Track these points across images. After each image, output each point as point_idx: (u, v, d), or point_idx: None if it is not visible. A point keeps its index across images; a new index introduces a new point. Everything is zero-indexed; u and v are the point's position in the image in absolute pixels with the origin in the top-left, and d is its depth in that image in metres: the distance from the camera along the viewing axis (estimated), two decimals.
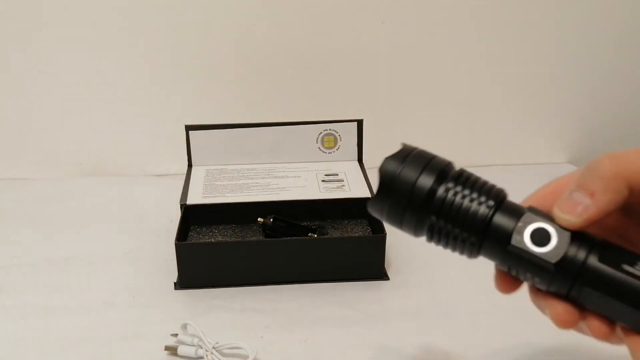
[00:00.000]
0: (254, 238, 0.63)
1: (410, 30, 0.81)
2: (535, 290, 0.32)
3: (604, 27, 0.83)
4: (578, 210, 0.29)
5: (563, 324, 0.31)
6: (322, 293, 0.57)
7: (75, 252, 0.64)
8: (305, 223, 0.64)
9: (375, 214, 0.34)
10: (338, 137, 0.72)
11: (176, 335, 0.50)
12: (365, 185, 0.67)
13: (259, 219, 0.62)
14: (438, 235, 0.32)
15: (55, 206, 0.75)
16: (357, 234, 0.64)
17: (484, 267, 0.62)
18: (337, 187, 0.67)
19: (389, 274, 0.60)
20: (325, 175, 0.70)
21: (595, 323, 0.30)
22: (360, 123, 0.71)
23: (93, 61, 0.79)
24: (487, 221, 0.31)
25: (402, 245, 0.65)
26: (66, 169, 0.84)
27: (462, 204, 0.31)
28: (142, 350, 0.50)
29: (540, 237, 0.30)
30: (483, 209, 0.31)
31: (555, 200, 0.31)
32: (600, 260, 0.29)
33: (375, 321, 0.54)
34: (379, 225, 0.60)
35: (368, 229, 0.65)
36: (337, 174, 0.70)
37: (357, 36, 0.80)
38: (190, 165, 0.71)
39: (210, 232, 0.65)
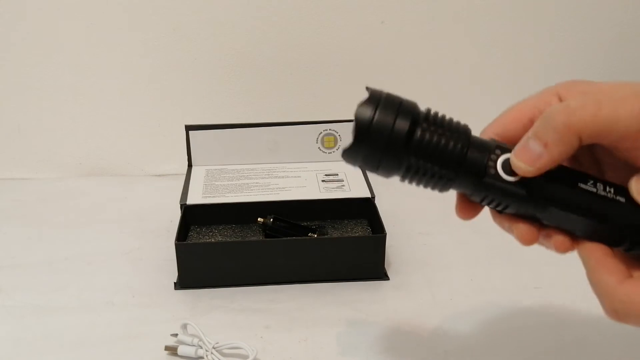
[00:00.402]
0: (254, 238, 0.63)
1: (411, 30, 0.81)
2: (497, 213, 0.36)
3: (605, 27, 0.83)
4: (532, 159, 0.32)
5: (527, 242, 0.35)
6: (322, 293, 0.57)
7: (75, 252, 0.64)
8: (305, 223, 0.64)
9: (349, 161, 0.34)
10: (338, 137, 0.72)
11: (176, 335, 0.50)
12: (365, 185, 0.67)
13: (259, 219, 0.62)
14: (414, 174, 0.34)
15: (55, 206, 0.75)
16: (357, 234, 0.64)
17: (484, 267, 0.62)
18: (337, 187, 0.67)
19: (389, 273, 0.60)
20: (325, 175, 0.70)
21: (559, 238, 0.34)
22: None
23: (93, 61, 0.79)
24: (463, 156, 0.33)
25: (402, 245, 0.65)
26: (66, 169, 0.84)
27: (438, 142, 0.33)
28: (142, 350, 0.50)
29: (511, 167, 0.33)
30: (458, 145, 0.33)
31: (516, 129, 0.35)
32: (561, 182, 0.33)
33: (375, 321, 0.54)
34: (379, 225, 0.60)
35: (368, 229, 0.65)
36: (337, 174, 0.70)
37: (357, 36, 0.80)
38: (190, 165, 0.71)
39: (210, 232, 0.65)
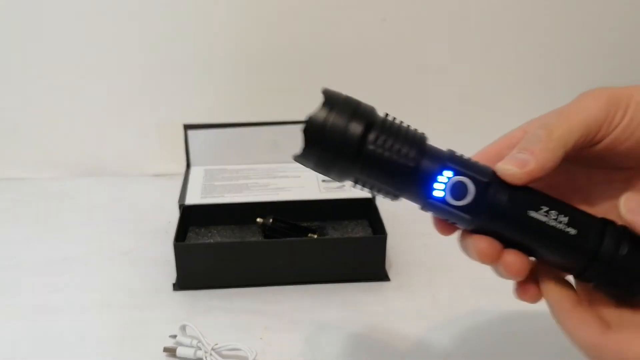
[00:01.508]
0: (253, 239, 0.63)
1: (412, 27, 0.81)
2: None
3: (607, 26, 0.83)
4: (521, 164, 0.32)
5: (484, 258, 0.34)
6: (322, 294, 0.57)
7: (74, 253, 0.64)
8: (305, 223, 0.64)
9: (302, 163, 0.33)
10: None
11: (175, 336, 0.49)
12: None
13: (258, 220, 0.62)
14: (363, 183, 0.33)
15: (54, 206, 0.75)
16: (357, 235, 0.64)
17: (485, 268, 0.62)
18: (337, 187, 0.67)
19: (390, 274, 0.60)
20: None
21: (510, 259, 0.34)
22: None
23: (91, 61, 0.79)
24: (410, 173, 0.32)
25: (403, 246, 0.65)
26: (64, 168, 0.83)
27: (389, 154, 0.32)
28: (140, 351, 0.49)
29: (459, 191, 0.32)
30: (407, 160, 0.32)
31: (502, 156, 0.35)
32: (510, 208, 0.32)
33: (376, 322, 0.53)
34: (380, 226, 0.60)
35: (369, 229, 0.65)
36: None
37: (358, 34, 0.80)
38: (188, 165, 0.71)
39: (209, 232, 0.64)
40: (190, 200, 0.64)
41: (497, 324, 0.53)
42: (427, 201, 0.33)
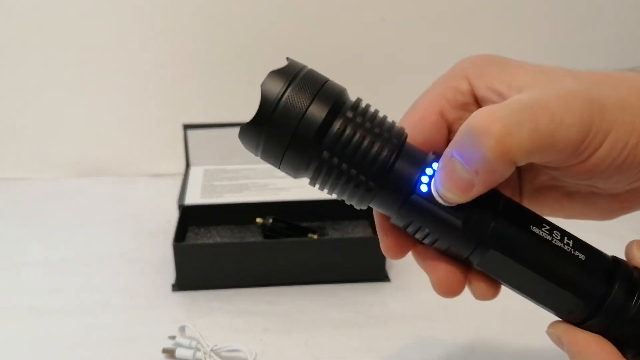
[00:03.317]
0: (252, 239, 0.63)
1: (412, 27, 0.80)
2: (420, 250, 0.29)
3: (607, 24, 0.83)
4: (465, 188, 0.26)
5: (447, 291, 0.28)
6: (322, 295, 0.57)
7: (72, 253, 0.64)
8: (305, 223, 0.63)
9: (246, 145, 0.28)
10: None
11: (174, 337, 0.49)
12: None
13: (257, 220, 0.62)
14: (327, 177, 0.27)
15: (52, 206, 0.75)
16: (357, 235, 0.64)
17: None
18: None
19: (390, 275, 0.60)
20: None
21: (482, 286, 0.29)
22: None
23: (90, 60, 0.78)
24: (390, 163, 0.26)
25: None
26: (63, 168, 0.83)
27: (362, 140, 0.26)
28: (139, 352, 0.49)
29: None
30: (386, 149, 0.26)
31: (423, 130, 0.29)
32: (510, 221, 0.27)
33: (376, 323, 0.53)
34: None
35: (369, 229, 0.64)
36: None
37: (357, 34, 0.80)
38: (188, 165, 0.71)
39: (208, 232, 0.64)
40: (190, 200, 0.64)
41: (499, 326, 0.53)
42: (409, 198, 0.27)
